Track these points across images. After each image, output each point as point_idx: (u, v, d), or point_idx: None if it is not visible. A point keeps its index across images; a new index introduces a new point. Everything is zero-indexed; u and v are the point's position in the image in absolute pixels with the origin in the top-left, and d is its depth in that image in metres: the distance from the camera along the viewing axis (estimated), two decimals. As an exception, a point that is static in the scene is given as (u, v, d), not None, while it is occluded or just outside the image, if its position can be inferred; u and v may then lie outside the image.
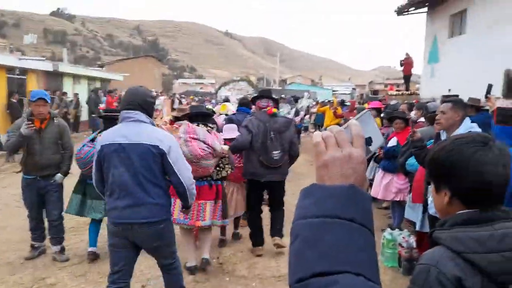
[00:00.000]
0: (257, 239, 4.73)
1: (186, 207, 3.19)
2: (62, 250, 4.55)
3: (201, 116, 4.34)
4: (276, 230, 4.71)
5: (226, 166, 4.26)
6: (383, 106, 8.98)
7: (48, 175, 4.39)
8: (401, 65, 16.15)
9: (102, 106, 14.38)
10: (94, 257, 4.44)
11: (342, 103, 14.68)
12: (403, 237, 4.30)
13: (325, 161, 0.68)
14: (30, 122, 4.18)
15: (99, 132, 4.29)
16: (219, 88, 33.14)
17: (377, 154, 5.52)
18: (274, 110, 4.70)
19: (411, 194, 4.55)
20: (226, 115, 7.04)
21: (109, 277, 2.96)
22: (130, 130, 2.86)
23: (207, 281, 4.10)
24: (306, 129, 19.39)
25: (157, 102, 19.70)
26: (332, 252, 0.61)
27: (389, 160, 5.31)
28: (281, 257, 4.55)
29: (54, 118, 4.49)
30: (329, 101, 16.04)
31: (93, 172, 3.00)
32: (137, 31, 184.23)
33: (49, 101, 4.44)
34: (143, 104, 2.92)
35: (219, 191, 4.26)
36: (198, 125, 4.16)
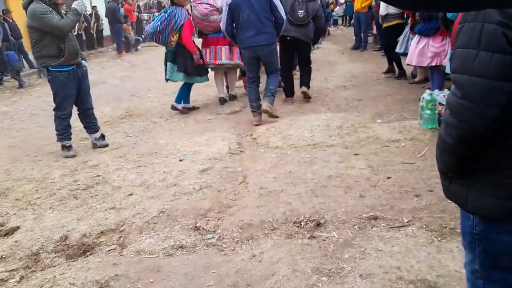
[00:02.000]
0: (289, 91, 5.89)
1: (278, 35, 4.89)
2: (102, 136, 4.67)
3: None
4: (304, 83, 5.82)
5: None
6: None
7: (79, 63, 4.35)
8: None
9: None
10: (174, 109, 5.73)
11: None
12: (444, 96, 4.08)
13: None
14: None
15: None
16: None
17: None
18: None
19: (449, 48, 4.21)
20: None
21: (248, 80, 5.00)
22: None
23: (242, 153, 4.15)
24: (335, 22, 18.49)
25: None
26: None
27: (425, 22, 4.95)
28: (315, 128, 4.48)
29: None
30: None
31: (224, 19, 4.69)
32: None
33: None
34: None
35: None
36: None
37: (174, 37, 5.39)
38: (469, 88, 0.94)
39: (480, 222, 1.12)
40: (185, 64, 5.49)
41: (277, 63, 4.95)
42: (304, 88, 5.78)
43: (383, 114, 4.98)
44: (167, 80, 5.76)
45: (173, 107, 5.76)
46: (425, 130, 4.17)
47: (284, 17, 4.75)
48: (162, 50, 14.48)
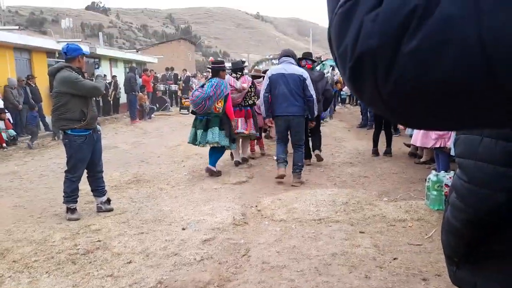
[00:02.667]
0: (307, 154, 6.39)
1: (312, 116, 5.68)
2: (108, 200, 4.67)
3: (236, 68, 6.98)
4: (317, 146, 6.71)
5: (252, 97, 6.80)
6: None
7: (95, 127, 4.53)
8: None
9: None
10: (211, 173, 5.99)
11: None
12: (450, 177, 4.08)
13: None
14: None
15: (206, 80, 6.45)
16: (253, 67, 33.00)
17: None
18: (311, 65, 6.61)
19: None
20: None
21: (277, 140, 5.63)
22: (287, 67, 5.42)
23: (246, 224, 4.10)
24: (343, 101, 19.12)
25: (194, 80, 19.93)
26: None
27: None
28: (320, 203, 4.46)
29: None
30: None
31: (264, 90, 5.44)
32: (170, 19, 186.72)
33: None
34: (292, 54, 5.67)
35: (248, 113, 6.73)
36: (231, 75, 6.70)
37: (219, 104, 5.98)
38: (475, 173, 0.95)
39: None
40: (230, 130, 6.07)
41: (303, 133, 5.56)
42: (317, 151, 6.68)
43: (389, 192, 4.96)
44: (202, 144, 6.03)
45: (210, 170, 6.00)
46: (432, 211, 4.12)
47: (314, 95, 5.44)
48: (174, 119, 14.86)
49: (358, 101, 17.00)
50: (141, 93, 14.88)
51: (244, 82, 6.61)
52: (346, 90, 18.76)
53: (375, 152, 7.25)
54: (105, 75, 11.65)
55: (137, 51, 25.73)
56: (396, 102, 0.46)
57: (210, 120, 5.97)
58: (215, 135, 5.90)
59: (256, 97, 6.81)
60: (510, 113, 0.45)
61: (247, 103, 6.74)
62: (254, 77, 7.70)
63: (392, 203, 4.50)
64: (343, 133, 10.49)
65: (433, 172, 4.41)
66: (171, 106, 18.78)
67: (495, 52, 0.42)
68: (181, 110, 17.15)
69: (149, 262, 3.25)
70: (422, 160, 6.38)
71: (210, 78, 6.20)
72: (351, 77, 0.48)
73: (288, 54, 5.64)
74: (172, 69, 20.45)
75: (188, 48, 38.46)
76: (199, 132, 6.00)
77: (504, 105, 0.44)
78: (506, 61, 0.42)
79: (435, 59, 0.43)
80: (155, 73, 18.75)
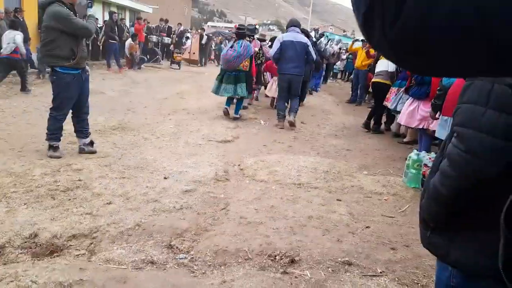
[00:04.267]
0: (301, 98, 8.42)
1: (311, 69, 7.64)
2: (91, 143, 4.65)
3: (249, 32, 7.83)
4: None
5: (261, 57, 8.49)
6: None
7: (84, 68, 4.43)
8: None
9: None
10: (226, 113, 7.15)
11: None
12: (430, 158, 4.19)
13: None
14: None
15: (235, 42, 7.16)
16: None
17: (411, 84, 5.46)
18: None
19: (441, 113, 4.37)
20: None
21: (279, 98, 7.09)
22: (295, 35, 6.77)
23: (227, 181, 4.15)
24: (335, 75, 19.06)
25: (188, 35, 19.44)
26: None
27: (418, 87, 5.24)
28: (302, 169, 4.53)
29: None
30: (362, 40, 15.36)
31: (274, 50, 6.80)
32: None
33: None
34: (298, 25, 7.05)
35: (257, 70, 8.33)
36: (245, 39, 7.27)
37: (247, 63, 7.08)
38: (473, 143, 0.95)
39: (458, 275, 1.12)
40: (251, 84, 7.41)
41: (299, 89, 6.99)
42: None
43: (370, 166, 5.07)
44: (228, 94, 7.07)
45: (235, 118, 7.15)
46: (408, 188, 4.25)
47: (315, 57, 7.03)
48: (163, 73, 14.58)
49: (350, 77, 16.99)
50: (132, 42, 14.49)
51: (255, 46, 8.04)
52: (339, 64, 18.69)
53: (366, 124, 7.34)
54: (97, 19, 11.26)
55: (132, -2, 24.78)
56: (399, 47, 0.50)
57: (239, 76, 6.99)
58: (243, 89, 7.00)
59: (263, 58, 8.44)
60: (500, 63, 0.48)
61: (256, 62, 8.11)
62: (259, 40, 9.25)
63: (371, 176, 4.61)
64: (331, 106, 10.54)
65: (415, 151, 4.51)
66: (162, 59, 18.38)
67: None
68: (172, 64, 16.80)
69: (128, 205, 3.29)
70: (405, 140, 6.50)
71: (237, 40, 7.13)
72: (363, 22, 0.52)
73: (295, 24, 7.03)
74: (167, 21, 19.85)
75: (185, 2, 37.29)
76: (227, 86, 6.99)
77: (497, 56, 0.46)
78: (497, 9, 0.44)
79: (434, 5, 0.45)
80: (148, 22, 18.18)
